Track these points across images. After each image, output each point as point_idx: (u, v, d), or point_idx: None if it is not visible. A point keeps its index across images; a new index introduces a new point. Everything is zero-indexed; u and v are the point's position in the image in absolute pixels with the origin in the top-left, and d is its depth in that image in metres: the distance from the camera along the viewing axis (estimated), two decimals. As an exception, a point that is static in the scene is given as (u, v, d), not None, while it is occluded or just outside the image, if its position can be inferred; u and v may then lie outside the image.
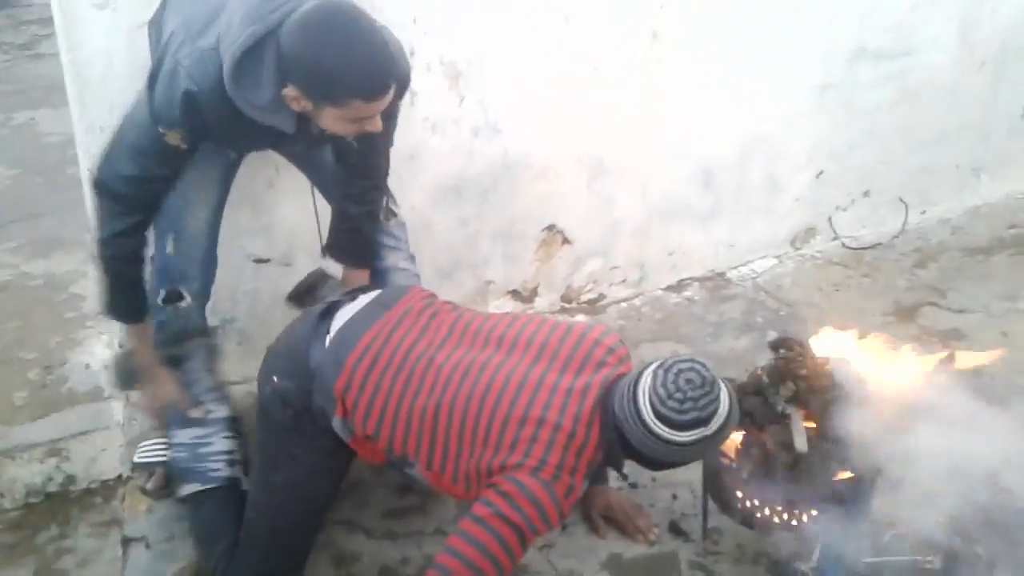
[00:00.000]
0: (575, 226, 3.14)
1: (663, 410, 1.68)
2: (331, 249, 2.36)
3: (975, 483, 1.80)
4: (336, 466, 2.08)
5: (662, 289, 3.38)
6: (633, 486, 2.43)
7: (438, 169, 2.82)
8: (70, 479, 2.46)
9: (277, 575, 2.09)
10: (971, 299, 3.27)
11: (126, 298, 2.15)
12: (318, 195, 2.46)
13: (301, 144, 2.16)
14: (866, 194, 3.60)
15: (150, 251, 2.18)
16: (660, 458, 1.77)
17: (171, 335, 2.33)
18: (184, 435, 2.25)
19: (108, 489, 2.45)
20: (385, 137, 2.16)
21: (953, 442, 1.78)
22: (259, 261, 2.66)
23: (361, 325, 1.98)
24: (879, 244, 3.59)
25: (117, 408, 2.62)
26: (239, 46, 1.76)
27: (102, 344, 2.85)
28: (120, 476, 2.48)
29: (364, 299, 2.06)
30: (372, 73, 1.79)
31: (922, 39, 3.41)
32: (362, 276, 2.37)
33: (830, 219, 3.58)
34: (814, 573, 1.90)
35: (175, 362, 2.30)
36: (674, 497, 2.39)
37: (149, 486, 2.35)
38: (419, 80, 2.62)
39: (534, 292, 3.18)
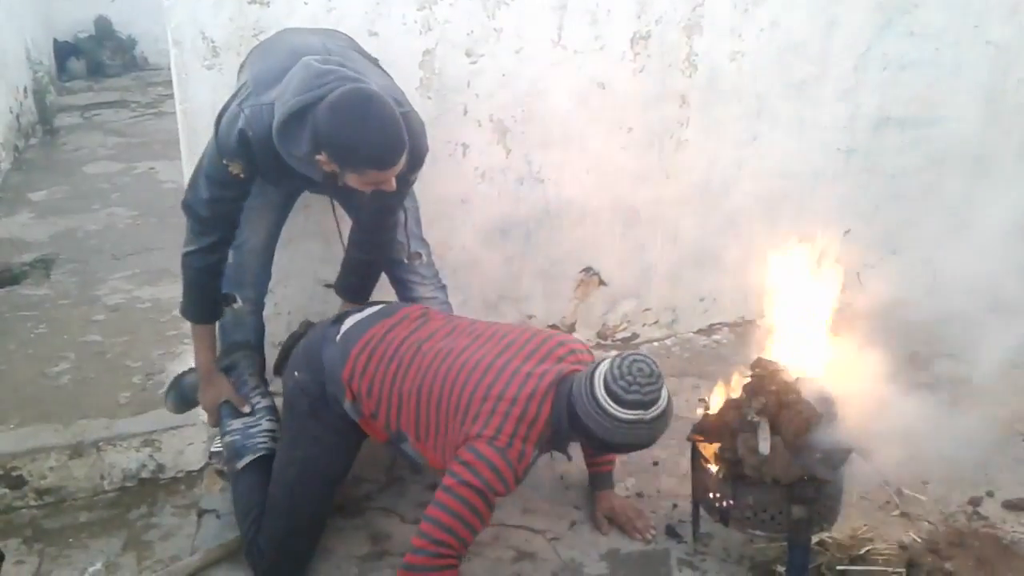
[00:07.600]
0: (611, 269, 3.41)
1: (613, 387, 2.00)
2: (337, 285, 2.74)
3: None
4: (346, 444, 2.42)
5: (693, 332, 3.62)
6: (639, 495, 2.70)
7: (487, 212, 3.15)
8: (160, 467, 2.82)
9: (295, 541, 2.38)
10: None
11: (199, 303, 2.55)
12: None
13: (328, 191, 2.54)
14: (894, 253, 3.77)
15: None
16: (601, 434, 2.04)
17: (227, 345, 2.73)
18: (237, 423, 2.60)
19: (191, 478, 2.81)
20: (396, 200, 2.49)
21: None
22: (328, 286, 2.97)
23: (364, 327, 2.35)
24: (907, 300, 3.75)
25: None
26: (288, 108, 2.14)
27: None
28: (202, 468, 2.83)
29: (369, 310, 2.45)
30: (383, 148, 2.13)
31: (947, 109, 3.57)
32: None
33: (858, 275, 3.75)
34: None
35: (227, 370, 2.69)
36: (674, 506, 2.64)
37: (225, 468, 2.72)
38: (472, 135, 3.02)
39: (572, 327, 3.43)
